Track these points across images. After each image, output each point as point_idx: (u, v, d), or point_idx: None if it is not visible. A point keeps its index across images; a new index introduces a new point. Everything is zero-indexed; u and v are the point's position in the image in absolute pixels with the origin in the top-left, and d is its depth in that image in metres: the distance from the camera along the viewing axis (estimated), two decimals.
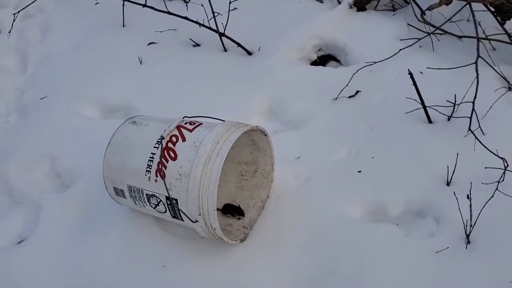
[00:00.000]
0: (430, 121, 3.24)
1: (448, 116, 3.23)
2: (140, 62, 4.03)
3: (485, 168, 2.80)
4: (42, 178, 3.35)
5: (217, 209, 2.88)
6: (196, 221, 2.47)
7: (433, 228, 2.70)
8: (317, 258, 2.59)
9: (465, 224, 2.56)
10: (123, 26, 4.45)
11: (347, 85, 3.45)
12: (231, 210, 2.87)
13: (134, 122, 2.79)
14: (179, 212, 2.53)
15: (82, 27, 4.58)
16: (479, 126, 3.06)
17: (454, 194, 2.60)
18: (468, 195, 2.52)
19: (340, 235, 2.66)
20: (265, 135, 2.74)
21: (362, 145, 3.15)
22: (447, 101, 3.23)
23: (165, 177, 2.50)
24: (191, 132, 2.58)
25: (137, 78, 3.91)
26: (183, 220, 2.57)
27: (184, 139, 2.55)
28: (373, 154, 3.07)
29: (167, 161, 2.51)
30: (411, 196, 2.82)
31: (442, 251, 2.52)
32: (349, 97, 3.48)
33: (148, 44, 4.21)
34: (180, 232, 2.82)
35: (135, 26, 4.42)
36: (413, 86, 3.17)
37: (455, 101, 3.19)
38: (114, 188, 2.75)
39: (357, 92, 3.50)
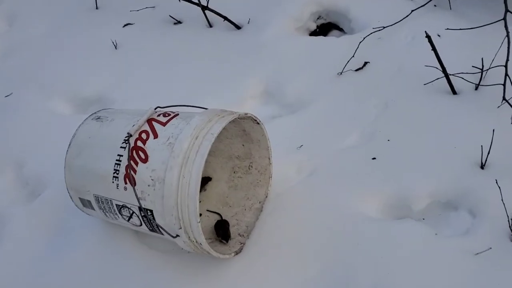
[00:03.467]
0: (454, 92, 2.73)
1: (476, 85, 2.71)
2: (115, 47, 3.54)
3: None
4: (7, 186, 2.91)
5: (212, 212, 2.43)
6: (177, 235, 2.01)
7: (468, 223, 2.21)
8: (330, 269, 2.12)
9: (510, 216, 2.07)
10: (96, 8, 3.96)
11: (353, 56, 2.95)
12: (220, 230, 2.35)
13: (98, 118, 2.32)
14: (156, 226, 2.06)
15: (52, 13, 4.09)
16: None
17: (496, 182, 2.10)
18: None
19: (356, 238, 2.19)
20: (257, 123, 2.25)
21: (375, 126, 2.65)
22: (472, 66, 2.71)
23: (135, 183, 2.03)
24: (164, 125, 2.10)
25: (113, 65, 3.43)
26: (163, 234, 2.11)
27: (156, 135, 2.08)
28: (389, 136, 2.58)
29: (136, 163, 2.04)
30: (438, 185, 2.33)
31: (483, 252, 2.04)
32: (356, 70, 2.97)
33: (123, 26, 3.71)
34: (164, 246, 2.36)
35: (109, 7, 3.92)
36: (432, 52, 2.65)
37: (483, 66, 2.67)
38: (80, 199, 2.29)
39: (365, 63, 2.99)
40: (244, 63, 3.13)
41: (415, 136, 2.55)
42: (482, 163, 2.35)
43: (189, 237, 2.00)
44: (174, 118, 2.14)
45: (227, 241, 2.27)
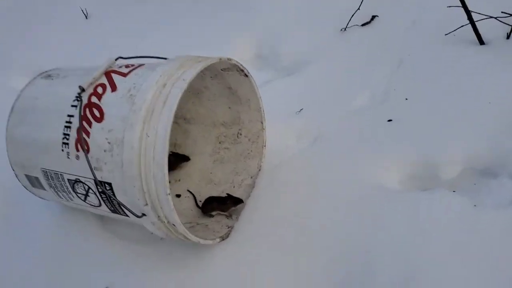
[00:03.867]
0: (481, 42, 2.28)
1: (507, 33, 2.26)
2: (86, 17, 3.10)
3: None
4: None
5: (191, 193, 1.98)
6: (143, 214, 1.55)
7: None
8: (343, 258, 1.65)
9: None
10: None
11: (358, 9, 2.50)
12: (218, 204, 1.90)
13: (49, 76, 1.86)
14: (118, 205, 1.61)
15: None
16: None
17: None
18: None
19: (375, 216, 1.72)
20: (245, 75, 1.80)
21: (388, 84, 2.21)
22: (502, 12, 2.26)
23: (88, 150, 1.58)
24: (125, 76, 1.65)
25: (84, 36, 2.99)
26: (127, 216, 1.65)
27: (114, 88, 1.62)
28: (406, 94, 2.13)
29: (90, 124, 1.59)
30: (471, 149, 1.87)
31: None
32: (363, 25, 2.54)
33: None
34: (135, 234, 1.90)
35: None
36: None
37: None
38: (26, 176, 1.84)
39: (373, 17, 2.55)
40: (232, 22, 2.70)
41: (439, 93, 2.10)
42: None
43: (158, 216, 1.54)
44: (139, 68, 1.68)
45: (242, 201, 1.86)
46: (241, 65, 1.75)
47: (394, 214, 1.71)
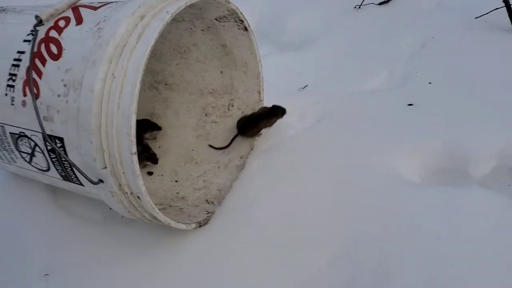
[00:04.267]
0: None
1: None
2: None
3: None
4: None
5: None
6: (100, 180, 1.20)
7: None
8: (349, 258, 1.31)
9: None
10: None
11: None
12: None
13: (3, 10, 1.52)
14: (70, 167, 1.26)
15: None
16: None
17: None
18: None
19: (392, 211, 1.39)
20: (245, 28, 1.48)
21: (410, 66, 1.90)
22: None
23: (38, 94, 1.23)
24: (96, 10, 1.31)
25: None
26: (82, 185, 1.30)
27: (80, 21, 1.28)
28: (430, 78, 1.82)
29: (44, 62, 1.24)
30: (506, 143, 1.56)
31: None
32: (380, 3, 2.23)
33: None
34: (91, 211, 1.55)
35: None
36: None
37: None
38: None
39: None
40: None
41: (467, 80, 1.79)
42: None
43: (119, 184, 1.19)
44: (114, 3, 1.35)
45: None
46: (241, 13, 1.42)
47: (415, 210, 1.37)
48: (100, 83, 1.13)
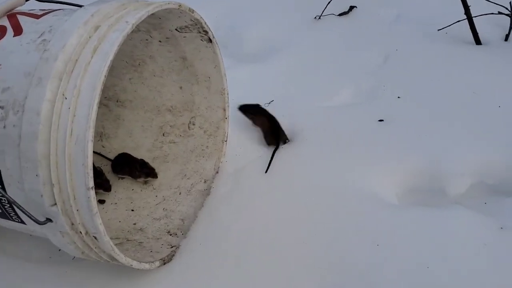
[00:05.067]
0: (478, 42, 1.97)
1: (506, 35, 1.97)
2: None
3: None
4: None
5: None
6: (48, 220, 1.01)
7: None
8: (335, 283, 1.20)
9: None
10: None
11: None
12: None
13: None
14: (9, 205, 1.06)
15: None
16: None
17: None
18: None
19: (373, 235, 1.29)
20: (209, 40, 1.34)
21: (376, 80, 1.82)
22: (499, 12, 1.97)
23: None
24: (39, 18, 1.12)
25: None
26: (24, 223, 1.10)
27: (19, 31, 1.09)
28: (398, 92, 1.75)
29: None
30: (484, 160, 1.51)
31: None
32: (340, 14, 2.15)
33: None
34: (32, 249, 1.34)
35: None
36: None
37: None
38: None
39: (352, 7, 2.19)
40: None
41: (436, 93, 1.74)
42: None
43: (71, 222, 1.01)
44: (60, 10, 1.16)
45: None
46: (205, 23, 1.28)
47: (399, 235, 1.28)
48: (47, 104, 0.94)
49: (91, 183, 0.94)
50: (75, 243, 1.05)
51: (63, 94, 0.95)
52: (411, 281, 1.17)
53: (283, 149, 1.52)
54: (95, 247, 1.05)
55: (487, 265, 1.20)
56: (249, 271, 1.24)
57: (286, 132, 1.57)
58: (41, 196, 0.97)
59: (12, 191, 1.01)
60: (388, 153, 1.52)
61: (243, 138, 1.55)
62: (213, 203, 1.41)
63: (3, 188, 1.02)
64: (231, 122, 1.52)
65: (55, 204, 0.98)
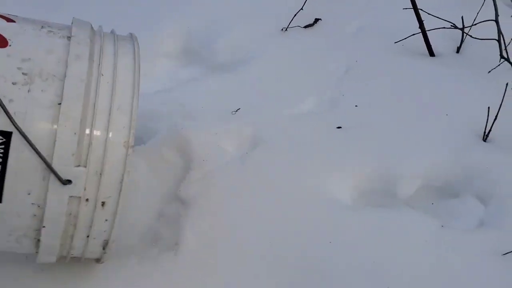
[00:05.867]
0: (432, 54, 2.13)
1: (460, 42, 2.14)
2: None
3: None
4: None
5: None
6: (68, 181, 1.07)
7: (479, 212, 1.55)
8: (296, 281, 1.33)
9: None
10: None
11: (301, 9, 2.27)
12: None
13: None
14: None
15: None
16: (507, 54, 1.99)
17: None
18: None
19: (328, 235, 1.43)
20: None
21: (337, 90, 1.97)
22: (451, 25, 2.13)
23: None
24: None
25: None
26: None
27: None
28: (356, 101, 1.89)
29: None
30: (431, 164, 1.67)
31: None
32: (306, 27, 2.29)
33: None
34: None
35: None
36: (401, 4, 2.06)
37: (463, 25, 2.10)
38: None
39: (317, 20, 2.32)
40: (157, 9, 2.32)
41: (391, 103, 1.89)
42: (484, 134, 1.73)
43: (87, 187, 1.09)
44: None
45: None
46: None
47: (351, 234, 1.43)
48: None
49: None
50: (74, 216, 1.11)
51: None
52: (359, 274, 1.32)
53: (246, 155, 1.64)
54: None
55: (427, 260, 1.35)
56: (217, 268, 1.36)
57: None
58: (72, 155, 1.05)
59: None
60: (344, 158, 1.66)
61: (208, 148, 1.65)
62: (182, 207, 1.53)
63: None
64: (196, 136, 1.64)
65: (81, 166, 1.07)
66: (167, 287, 1.31)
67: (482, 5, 2.16)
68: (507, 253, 1.37)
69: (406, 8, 2.05)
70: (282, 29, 2.26)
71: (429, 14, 2.06)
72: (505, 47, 2.00)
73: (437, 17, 2.07)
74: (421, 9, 2.06)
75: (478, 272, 1.34)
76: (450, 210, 1.58)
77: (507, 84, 1.71)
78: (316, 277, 1.31)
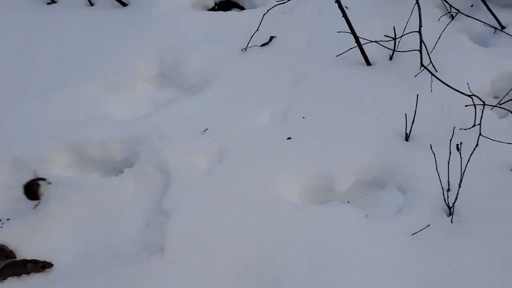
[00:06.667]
0: (368, 63, 2.51)
1: (391, 52, 2.51)
2: None
3: (466, 106, 2.10)
4: None
5: None
6: None
7: (399, 201, 1.98)
8: (252, 268, 1.76)
9: (445, 189, 1.86)
10: None
11: (257, 30, 2.63)
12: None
13: None
14: None
15: None
16: (431, 61, 2.38)
17: (431, 148, 1.86)
18: (458, 145, 1.77)
19: (279, 229, 1.86)
20: None
21: (287, 103, 2.35)
22: (385, 36, 2.50)
23: None
24: None
25: None
26: None
27: None
28: (304, 113, 2.29)
29: None
30: (361, 162, 2.08)
31: (420, 231, 1.80)
32: (262, 45, 2.66)
33: None
34: None
35: None
36: (342, 23, 2.42)
37: (395, 35, 2.47)
38: None
39: (272, 38, 2.69)
40: (132, 41, 2.68)
41: (332, 111, 2.28)
42: (406, 134, 2.14)
43: None
44: None
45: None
46: None
47: (298, 226, 1.84)
48: None
49: None
50: None
51: None
52: (301, 259, 1.74)
53: (215, 169, 2.05)
54: None
55: (352, 244, 1.77)
56: (195, 265, 1.78)
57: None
58: None
59: None
60: (292, 164, 2.07)
61: (185, 164, 2.06)
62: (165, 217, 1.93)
63: None
64: (175, 154, 2.04)
65: None
66: (157, 282, 1.73)
67: (410, 15, 2.51)
68: (415, 233, 1.79)
69: (340, 32, 2.42)
70: (241, 50, 2.63)
71: (362, 38, 2.42)
72: (428, 54, 2.38)
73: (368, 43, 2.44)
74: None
75: (390, 250, 1.76)
76: (378, 200, 2.02)
77: (417, 95, 2.10)
78: (267, 264, 1.73)
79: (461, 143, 1.76)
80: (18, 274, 1.80)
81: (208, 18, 2.82)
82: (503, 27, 2.69)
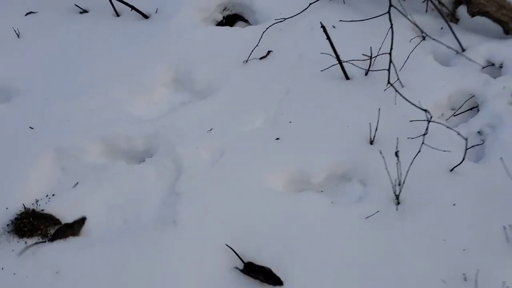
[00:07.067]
0: (347, 77, 3.03)
1: (366, 71, 3.03)
2: (18, 36, 3.46)
3: (410, 121, 2.62)
4: None
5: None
6: None
7: (360, 191, 2.51)
8: (240, 237, 2.31)
9: (394, 183, 2.38)
10: None
11: (257, 46, 3.15)
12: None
13: None
14: None
15: None
16: (398, 79, 2.89)
17: (381, 153, 2.39)
18: (396, 152, 2.31)
19: (263, 210, 2.40)
20: None
21: (278, 109, 2.88)
22: (363, 54, 3.02)
23: None
24: None
25: (15, 54, 3.35)
26: None
27: None
28: (291, 118, 2.82)
29: None
30: (333, 160, 2.61)
31: (372, 215, 2.34)
32: (261, 58, 3.18)
33: (26, 14, 3.63)
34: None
35: None
36: (328, 41, 2.92)
37: (371, 54, 2.99)
38: None
39: (269, 52, 3.21)
40: (153, 51, 3.22)
41: (313, 117, 2.81)
42: (371, 139, 2.66)
43: None
44: None
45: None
46: None
47: (278, 210, 2.39)
48: None
49: None
50: None
51: None
52: (278, 238, 2.27)
53: (217, 162, 2.59)
54: None
55: (318, 224, 2.32)
56: (200, 235, 2.33)
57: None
58: None
59: None
60: (278, 160, 2.60)
61: (194, 157, 2.60)
62: (177, 198, 2.48)
63: None
64: (187, 149, 2.59)
65: None
66: (171, 245, 2.28)
67: (385, 38, 3.00)
68: (368, 217, 2.33)
69: (323, 53, 2.94)
70: (243, 62, 3.15)
71: (344, 61, 2.93)
72: (396, 73, 2.88)
73: (347, 62, 2.95)
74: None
75: (348, 230, 2.30)
76: (344, 190, 2.55)
77: (379, 109, 2.62)
78: (251, 237, 2.29)
79: (398, 151, 2.28)
80: (65, 236, 2.35)
81: (215, 33, 3.36)
82: (463, 50, 3.18)
